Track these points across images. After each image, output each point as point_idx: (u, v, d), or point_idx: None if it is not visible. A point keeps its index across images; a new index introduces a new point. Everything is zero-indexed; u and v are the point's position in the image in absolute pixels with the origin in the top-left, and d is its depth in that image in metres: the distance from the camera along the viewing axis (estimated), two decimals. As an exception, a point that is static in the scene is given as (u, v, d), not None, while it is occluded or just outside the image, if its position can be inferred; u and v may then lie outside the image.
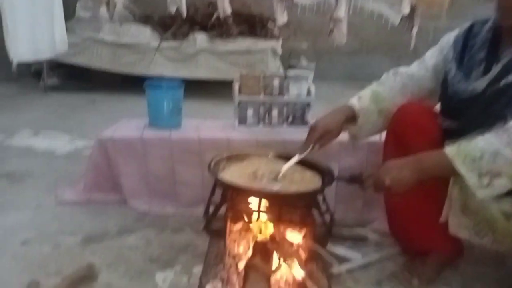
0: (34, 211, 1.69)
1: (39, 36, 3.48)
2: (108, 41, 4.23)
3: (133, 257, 1.38)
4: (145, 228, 1.58)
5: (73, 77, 4.68)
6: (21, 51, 3.36)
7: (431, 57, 1.36)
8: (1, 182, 1.98)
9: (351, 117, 1.37)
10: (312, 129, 1.31)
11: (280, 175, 1.23)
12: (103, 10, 4.31)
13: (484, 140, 1.03)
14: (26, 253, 1.38)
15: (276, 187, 1.19)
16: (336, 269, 1.30)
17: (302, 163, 1.35)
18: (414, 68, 1.39)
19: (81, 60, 4.27)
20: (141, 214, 1.69)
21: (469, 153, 1.02)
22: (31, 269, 1.28)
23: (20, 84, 4.43)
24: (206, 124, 1.92)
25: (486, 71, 1.15)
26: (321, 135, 1.30)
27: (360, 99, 1.38)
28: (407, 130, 1.30)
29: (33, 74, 4.60)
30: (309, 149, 1.29)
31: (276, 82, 1.75)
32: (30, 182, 1.99)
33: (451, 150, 1.05)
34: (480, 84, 1.14)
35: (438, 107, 1.38)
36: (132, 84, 4.14)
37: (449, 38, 1.32)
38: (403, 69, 1.41)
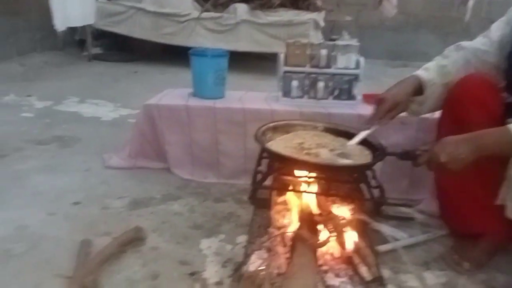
0: (83, 174, 1.75)
1: (77, 3, 3.57)
2: (150, 10, 4.24)
3: (178, 223, 1.40)
4: (188, 196, 1.60)
5: (115, 47, 4.77)
6: (64, 19, 3.45)
7: (497, 29, 1.26)
8: (52, 146, 2.06)
9: (418, 89, 1.30)
10: (381, 102, 1.27)
11: (349, 148, 1.20)
12: (146, -22, 4.32)
13: None
14: (77, 213, 1.44)
15: (325, 159, 1.15)
16: (383, 247, 1.27)
17: (351, 136, 1.31)
18: (478, 42, 1.30)
19: (123, 29, 4.33)
20: (184, 182, 1.71)
21: None
22: (82, 229, 1.33)
23: (65, 53, 4.56)
24: (249, 95, 1.90)
25: None
26: (390, 108, 1.26)
27: (427, 71, 1.31)
28: (466, 105, 1.21)
29: (77, 43, 4.71)
30: (379, 122, 1.25)
31: (323, 52, 1.69)
32: (78, 147, 2.06)
33: None
34: None
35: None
36: (172, 55, 4.16)
37: None
38: (466, 43, 1.32)
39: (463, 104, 1.23)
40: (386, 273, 1.17)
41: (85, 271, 1.07)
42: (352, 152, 1.22)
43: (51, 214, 1.42)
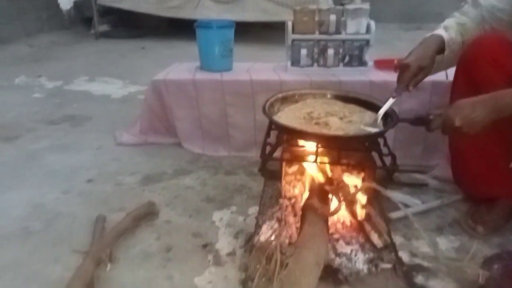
0: (95, 152, 1.76)
1: None
2: (155, -16, 4.16)
3: (190, 196, 1.41)
4: (199, 170, 1.60)
5: (122, 24, 4.73)
6: None
7: None
8: (64, 125, 2.08)
9: (441, 49, 1.25)
10: (405, 67, 1.20)
11: (379, 120, 1.15)
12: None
13: None
14: (91, 190, 1.46)
15: (335, 128, 1.13)
16: (394, 213, 1.26)
17: (361, 103, 1.28)
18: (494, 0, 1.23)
19: (128, 4, 4.27)
20: (195, 156, 1.72)
21: None
22: (96, 205, 1.36)
23: (72, 32, 4.55)
24: (257, 66, 1.86)
25: None
26: (415, 74, 1.19)
27: (448, 30, 1.26)
28: (481, 65, 1.17)
29: (84, 21, 4.68)
30: (404, 89, 1.20)
31: (333, 18, 1.63)
32: (89, 125, 2.07)
33: None
34: None
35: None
36: (178, 29, 4.11)
37: None
38: (483, 0, 1.25)
39: (478, 65, 1.19)
40: (398, 239, 1.17)
41: (101, 245, 1.10)
42: (363, 120, 1.19)
43: (65, 192, 1.45)
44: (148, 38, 4.35)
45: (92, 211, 1.30)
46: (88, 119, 2.14)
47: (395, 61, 1.69)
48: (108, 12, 4.57)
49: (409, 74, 1.18)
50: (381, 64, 1.75)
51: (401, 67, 1.21)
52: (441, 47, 1.24)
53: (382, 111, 1.16)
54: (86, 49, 3.85)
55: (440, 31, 1.26)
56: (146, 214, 1.27)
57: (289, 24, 1.68)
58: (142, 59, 3.48)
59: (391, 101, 1.18)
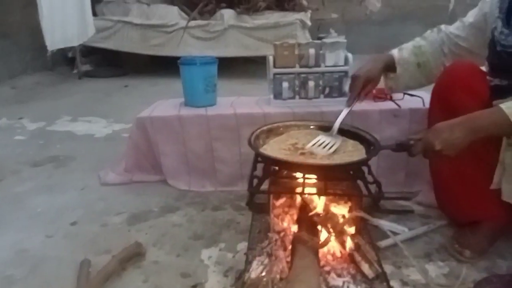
0: (80, 193, 1.74)
1: (71, 23, 3.54)
2: (137, 23, 4.25)
3: (178, 234, 1.40)
4: (186, 206, 1.59)
5: (105, 63, 4.78)
6: (56, 39, 3.43)
7: (471, 15, 1.32)
8: (47, 166, 2.05)
9: (390, 66, 1.38)
10: (354, 79, 1.32)
11: (335, 132, 1.26)
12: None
13: None
14: (76, 232, 1.43)
15: (319, 157, 1.15)
16: (383, 242, 1.26)
17: (344, 133, 1.31)
18: (453, 26, 1.37)
19: (111, 44, 4.33)
20: (182, 192, 1.71)
21: None
22: (82, 248, 1.33)
23: (55, 73, 4.56)
24: (241, 100, 1.90)
25: None
26: (364, 84, 1.31)
27: (401, 50, 1.40)
28: (454, 92, 1.22)
29: (67, 62, 4.71)
30: (356, 99, 1.31)
31: (312, 51, 1.69)
32: (73, 165, 2.05)
33: (508, 106, 0.96)
34: None
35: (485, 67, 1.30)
36: (162, 66, 4.16)
37: None
38: (444, 27, 1.39)
39: (451, 91, 1.24)
40: (388, 268, 1.17)
41: (87, 290, 1.07)
42: (346, 148, 1.22)
43: (50, 235, 1.41)
44: (131, 76, 4.39)
45: (78, 254, 1.27)
46: (72, 159, 2.12)
47: (373, 92, 1.76)
48: (91, 52, 4.62)
49: (359, 84, 1.31)
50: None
51: (351, 79, 1.34)
52: (390, 64, 1.38)
53: (337, 123, 1.27)
54: (69, 89, 3.86)
55: (393, 51, 1.40)
56: (133, 256, 1.24)
57: (270, 58, 1.73)
58: (126, 97, 3.50)
59: (345, 111, 1.30)
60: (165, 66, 3.88)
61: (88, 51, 4.59)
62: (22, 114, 2.97)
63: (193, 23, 4.20)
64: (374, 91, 1.76)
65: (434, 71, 1.39)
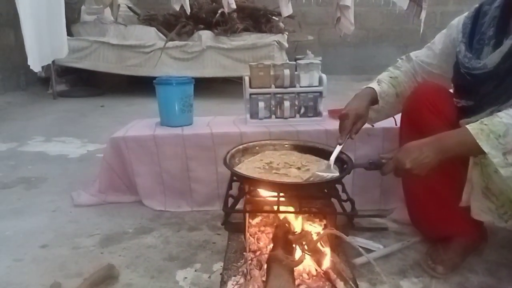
0: (51, 215, 1.69)
1: (46, 41, 3.49)
2: (114, 43, 4.25)
3: (152, 256, 1.37)
4: (161, 227, 1.57)
5: (80, 83, 4.73)
6: (37, 59, 3.36)
7: (439, 42, 1.36)
8: (18, 188, 1.99)
9: (374, 100, 1.39)
10: (344, 117, 1.32)
11: (331, 166, 1.24)
12: (107, 12, 4.34)
13: (508, 115, 0.99)
14: (46, 256, 1.38)
15: (293, 176, 1.16)
16: (358, 259, 1.27)
17: (319, 152, 1.33)
18: (423, 55, 1.40)
19: (88, 64, 4.31)
20: (157, 213, 1.68)
21: (493, 130, 0.98)
22: (52, 272, 1.28)
23: (29, 92, 4.48)
24: (217, 119, 1.91)
25: (497, 47, 1.11)
26: (354, 122, 1.31)
27: (380, 83, 1.40)
28: (422, 112, 1.27)
29: (41, 81, 4.64)
30: (348, 137, 1.31)
31: (287, 72, 1.72)
32: (45, 187, 1.99)
33: (473, 127, 1.01)
34: (491, 59, 1.11)
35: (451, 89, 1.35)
36: (138, 86, 4.15)
37: (458, 21, 1.30)
38: (413, 55, 1.43)
39: (419, 111, 1.29)
40: (363, 286, 1.17)
41: (55, 316, 1.02)
42: (320, 168, 1.24)
43: (18, 259, 1.36)
44: (107, 96, 4.35)
45: (47, 279, 1.22)
46: (44, 180, 2.06)
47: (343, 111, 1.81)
48: (66, 72, 4.57)
49: (349, 122, 1.31)
50: (335, 114, 1.83)
51: (340, 117, 1.34)
52: (374, 98, 1.39)
53: (333, 158, 1.25)
54: (43, 110, 3.78)
55: (373, 85, 1.41)
56: (105, 278, 1.20)
57: (246, 79, 1.76)
58: (101, 118, 3.46)
59: (338, 148, 1.28)
60: (142, 86, 3.87)
61: (63, 71, 4.54)
62: (-8, 134, 2.89)
63: (171, 43, 4.23)
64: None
65: None
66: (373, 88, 1.39)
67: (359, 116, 1.33)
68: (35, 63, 3.24)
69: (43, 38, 3.44)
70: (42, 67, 4.21)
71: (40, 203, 1.79)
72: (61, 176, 2.12)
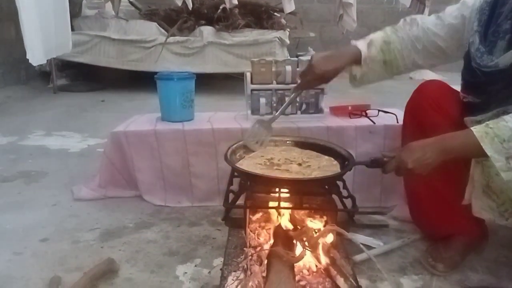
0: (51, 209, 1.69)
1: (51, 35, 3.46)
2: (115, 38, 4.23)
3: (152, 251, 1.37)
4: (162, 222, 1.57)
5: (81, 77, 4.71)
6: (38, 53, 3.34)
7: (449, 14, 1.26)
8: (18, 182, 1.98)
9: (356, 62, 1.32)
10: (310, 70, 1.28)
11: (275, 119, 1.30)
12: (108, 7, 4.32)
13: None
14: (46, 250, 1.38)
15: (294, 172, 1.16)
16: (359, 256, 1.27)
17: (318, 149, 1.33)
18: (432, 22, 1.28)
19: (88, 58, 4.29)
20: (158, 208, 1.68)
21: (499, 134, 0.96)
22: (52, 266, 1.28)
23: (29, 87, 4.47)
24: (218, 115, 1.90)
25: (511, 44, 1.09)
26: (316, 79, 1.29)
27: (370, 46, 1.31)
28: (426, 111, 1.26)
29: (42, 75, 4.62)
30: (300, 92, 1.32)
31: (288, 68, 1.72)
32: (45, 181, 1.99)
33: (478, 130, 1.00)
34: (504, 59, 1.08)
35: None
36: (139, 81, 4.14)
37: (474, 1, 1.21)
38: (420, 19, 1.31)
39: (423, 110, 1.28)
40: (363, 282, 1.17)
41: (55, 310, 1.02)
42: (321, 164, 1.23)
43: (18, 254, 1.36)
44: (108, 91, 4.34)
45: (47, 272, 1.22)
46: (44, 174, 2.06)
47: (349, 108, 1.80)
48: (67, 66, 4.56)
49: (310, 80, 1.29)
50: (336, 111, 1.83)
51: (307, 67, 1.29)
52: (356, 60, 1.31)
53: (281, 110, 1.34)
54: (44, 104, 3.78)
55: (361, 45, 1.32)
56: (105, 273, 1.20)
57: (248, 74, 1.75)
58: (102, 112, 3.45)
59: (289, 99, 1.32)
60: (142, 80, 3.86)
61: (64, 65, 4.52)
62: (-8, 128, 2.89)
63: (172, 39, 4.21)
64: (349, 108, 1.81)
65: (400, 69, 1.35)
66: (360, 50, 1.30)
67: (324, 78, 1.30)
68: (36, 57, 3.22)
69: (48, 32, 3.42)
70: (47, 61, 4.21)
71: (40, 197, 1.79)
72: (62, 170, 2.12)
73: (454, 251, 1.27)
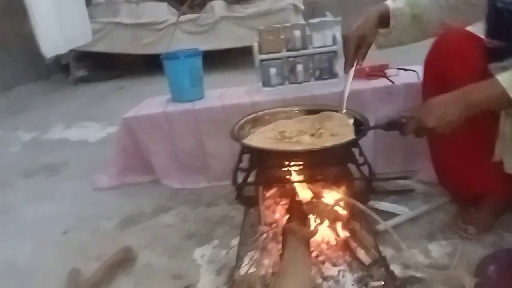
0: (72, 200, 1.70)
1: (69, 26, 3.47)
2: (127, 23, 4.19)
3: (170, 235, 1.35)
4: (179, 205, 1.55)
5: (99, 67, 4.73)
6: (52, 45, 3.37)
7: None
8: (41, 175, 2.02)
9: (384, 18, 1.22)
10: (346, 40, 1.19)
11: (344, 105, 1.18)
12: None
13: None
14: (67, 241, 1.40)
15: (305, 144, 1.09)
16: (382, 225, 1.20)
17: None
18: None
19: (103, 46, 4.28)
20: (175, 191, 1.66)
21: None
22: (73, 256, 1.29)
23: (50, 81, 4.53)
24: (229, 91, 1.84)
25: None
26: (358, 44, 1.18)
27: (395, 0, 1.23)
28: (447, 61, 1.14)
29: (62, 68, 4.67)
30: (355, 63, 1.19)
31: (297, 33, 1.62)
32: (66, 173, 2.02)
33: (505, 78, 0.89)
34: None
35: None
36: (155, 64, 4.09)
37: None
38: None
39: (445, 61, 1.16)
40: (389, 252, 1.11)
41: (75, 300, 1.03)
42: (334, 131, 1.15)
43: (40, 245, 1.38)
44: (126, 77, 4.34)
45: (69, 263, 1.23)
46: (65, 166, 2.09)
47: (367, 70, 1.69)
48: (85, 57, 4.58)
49: (352, 46, 1.18)
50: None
51: (343, 40, 1.20)
52: (385, 15, 1.22)
53: (345, 97, 1.18)
54: (64, 96, 3.83)
55: (387, 1, 1.23)
56: (123, 261, 1.20)
57: (255, 45, 1.67)
58: (121, 99, 3.45)
59: (349, 79, 1.20)
60: (159, 64, 3.81)
61: (82, 56, 4.54)
62: (17, 125, 2.95)
63: (183, 17, 4.13)
64: (367, 69, 1.69)
65: (429, 25, 1.24)
66: (386, 4, 1.21)
67: (363, 37, 1.18)
68: (51, 48, 3.24)
69: (66, 22, 3.41)
70: (65, 53, 4.24)
71: (62, 189, 1.82)
72: (82, 160, 2.14)
73: (485, 212, 1.18)
